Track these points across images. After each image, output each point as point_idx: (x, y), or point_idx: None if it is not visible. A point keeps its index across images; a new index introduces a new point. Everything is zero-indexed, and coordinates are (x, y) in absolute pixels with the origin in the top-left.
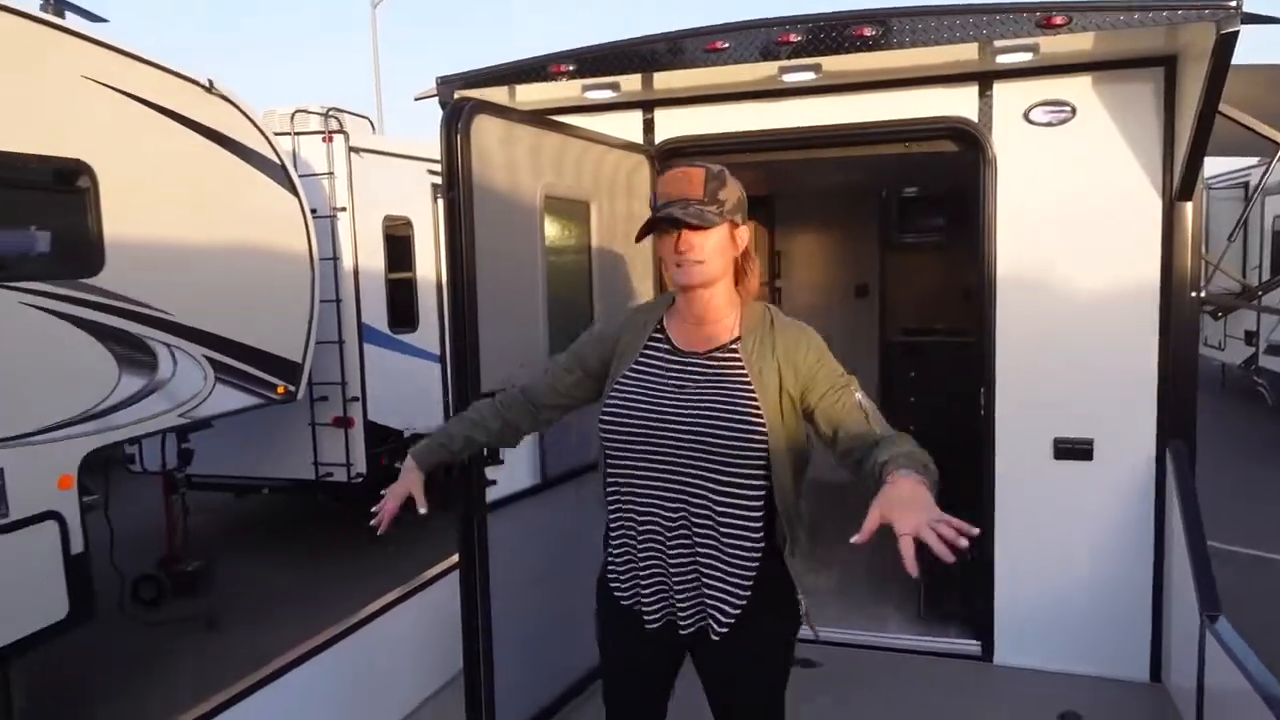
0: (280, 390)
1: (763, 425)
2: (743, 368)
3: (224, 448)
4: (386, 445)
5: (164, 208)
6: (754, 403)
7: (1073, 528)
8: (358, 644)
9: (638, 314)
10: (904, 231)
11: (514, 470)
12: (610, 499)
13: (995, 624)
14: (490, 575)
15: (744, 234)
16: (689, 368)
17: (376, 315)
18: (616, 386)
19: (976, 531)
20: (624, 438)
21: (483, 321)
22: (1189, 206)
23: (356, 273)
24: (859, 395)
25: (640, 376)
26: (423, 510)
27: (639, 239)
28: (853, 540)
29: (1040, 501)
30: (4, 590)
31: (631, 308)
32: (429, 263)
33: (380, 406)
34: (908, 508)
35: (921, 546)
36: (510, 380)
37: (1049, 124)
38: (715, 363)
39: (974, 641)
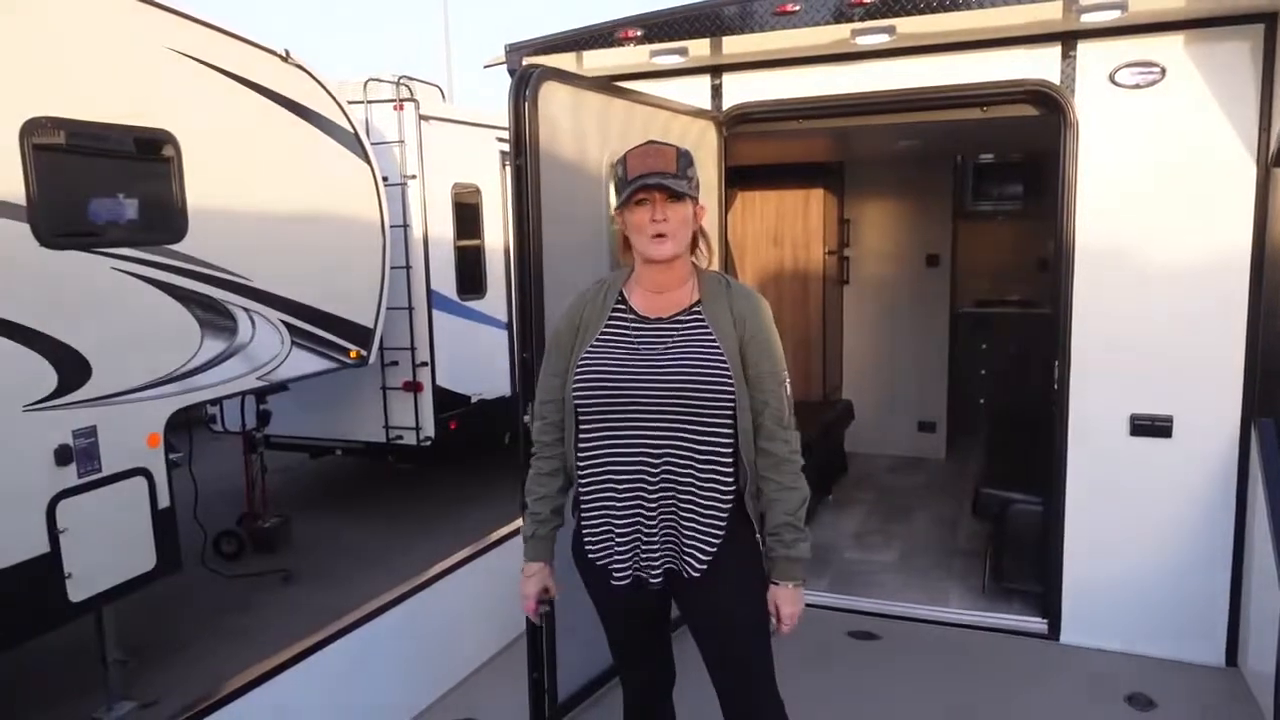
0: (353, 354)
1: (730, 377)
2: (707, 327)
3: (300, 410)
4: (454, 410)
5: (242, 176)
6: (721, 358)
7: (1148, 506)
8: (424, 603)
9: (595, 291)
10: (978, 199)
11: None
12: (587, 463)
13: (1063, 602)
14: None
15: (702, 211)
16: (659, 332)
17: (445, 282)
18: (586, 356)
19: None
20: (603, 402)
21: (549, 288)
22: None
23: (426, 240)
24: (787, 389)
25: (610, 344)
26: (555, 596)
27: (620, 206)
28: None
29: (1114, 478)
30: (97, 541)
31: (580, 290)
32: (497, 230)
33: (448, 372)
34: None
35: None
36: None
37: (1136, 86)
38: (681, 325)
39: (1040, 619)
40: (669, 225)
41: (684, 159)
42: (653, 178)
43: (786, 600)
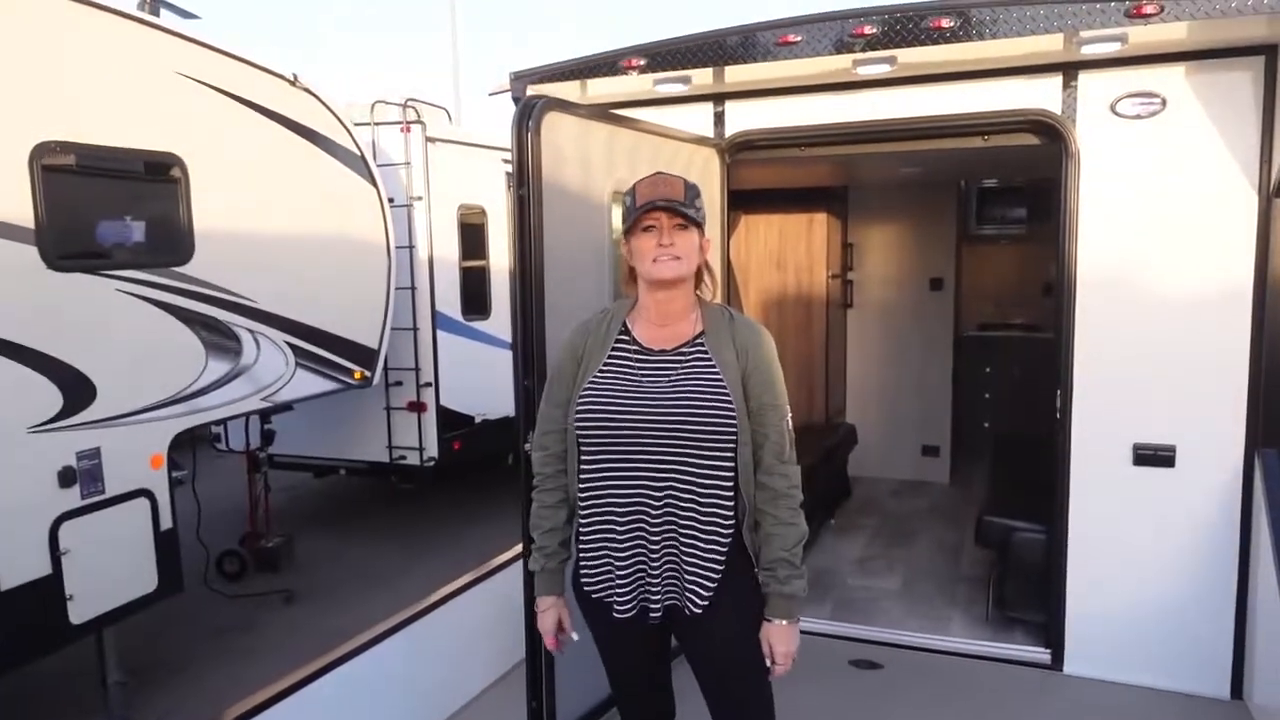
0: (357, 375)
1: (734, 410)
2: (711, 360)
3: (304, 429)
4: (458, 430)
5: (249, 198)
6: (725, 390)
7: (1152, 536)
8: (423, 630)
9: (597, 321)
10: (982, 223)
11: None
12: (588, 494)
13: (1066, 632)
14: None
15: (708, 244)
16: (662, 364)
17: (450, 302)
18: (589, 386)
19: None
20: (605, 432)
21: (550, 317)
22: None
23: (431, 260)
24: (788, 423)
25: (613, 375)
26: (575, 636)
27: (628, 230)
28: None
29: (1117, 508)
30: (99, 563)
31: (581, 321)
32: (502, 251)
33: (452, 392)
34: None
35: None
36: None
37: (1138, 116)
38: (685, 358)
39: (1043, 649)
40: (676, 249)
41: (691, 190)
42: (661, 201)
43: (780, 639)
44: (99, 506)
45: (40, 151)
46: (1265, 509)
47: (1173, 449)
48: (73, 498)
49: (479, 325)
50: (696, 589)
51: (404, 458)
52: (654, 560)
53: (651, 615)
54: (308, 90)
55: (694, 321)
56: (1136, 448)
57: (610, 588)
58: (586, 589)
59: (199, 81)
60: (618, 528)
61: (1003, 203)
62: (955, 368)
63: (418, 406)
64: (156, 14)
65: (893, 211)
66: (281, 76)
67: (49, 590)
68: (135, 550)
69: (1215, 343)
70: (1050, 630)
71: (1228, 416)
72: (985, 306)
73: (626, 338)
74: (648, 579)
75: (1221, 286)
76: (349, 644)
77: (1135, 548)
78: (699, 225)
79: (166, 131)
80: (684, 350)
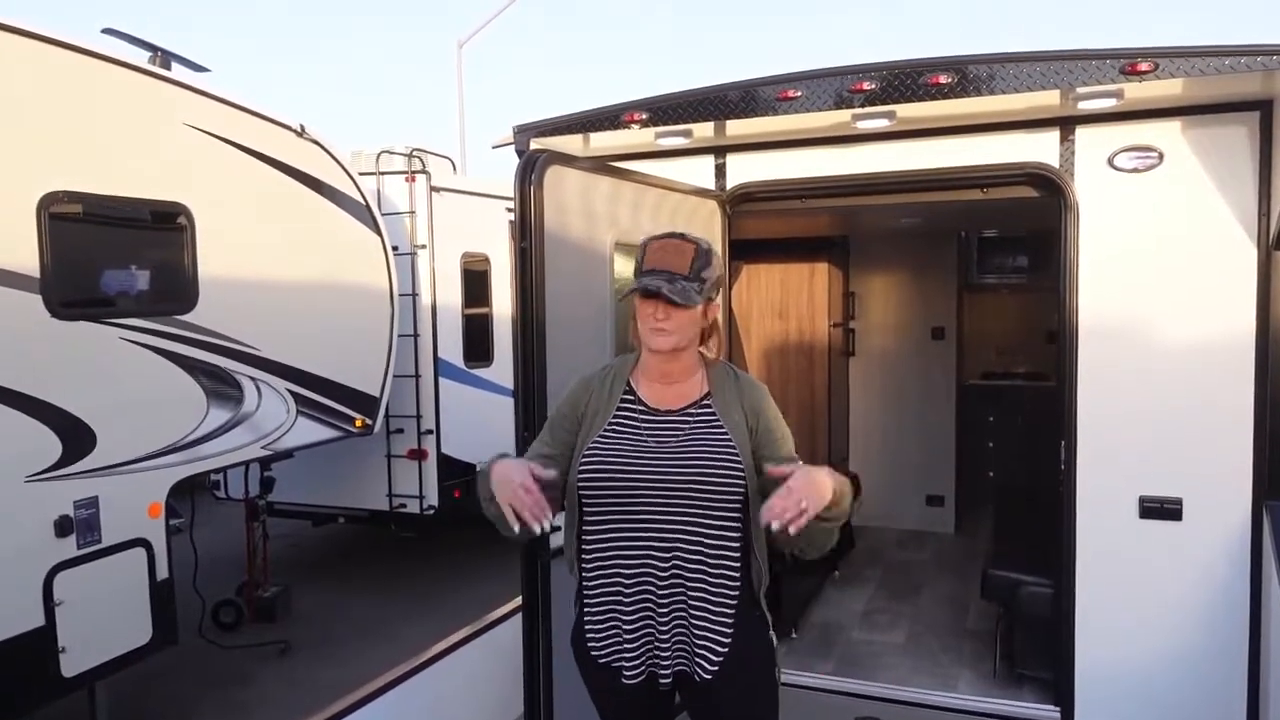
0: (358, 423)
1: (743, 471)
2: (719, 420)
3: (303, 477)
4: (458, 478)
5: (254, 247)
6: (734, 452)
7: (1160, 591)
8: (424, 682)
9: (600, 378)
10: (984, 272)
11: None
12: (592, 556)
13: (1076, 689)
14: (552, 620)
15: (715, 308)
16: (669, 423)
17: (452, 350)
18: (594, 446)
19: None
20: (611, 493)
21: (551, 370)
22: None
23: (434, 308)
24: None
25: (618, 435)
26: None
27: (622, 298)
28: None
29: (1125, 562)
30: (93, 614)
31: (585, 375)
32: (505, 298)
33: (453, 439)
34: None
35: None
36: None
37: (1135, 170)
38: (692, 418)
39: (1053, 707)
40: (670, 324)
41: (701, 259)
42: (659, 279)
43: (808, 484)
44: (95, 556)
45: (48, 201)
46: (1275, 561)
47: (1179, 501)
48: (69, 548)
49: (481, 372)
50: (706, 654)
51: (404, 506)
52: (662, 624)
53: (661, 681)
54: (314, 141)
55: (699, 381)
56: (1143, 500)
57: (618, 652)
58: (593, 653)
59: (207, 132)
60: (625, 590)
61: (1004, 252)
62: (958, 417)
63: (419, 454)
64: (168, 67)
65: (894, 261)
66: (288, 127)
67: (41, 642)
68: (130, 601)
69: (1219, 394)
70: (1059, 687)
71: (1234, 468)
72: (988, 355)
73: (631, 397)
74: (656, 643)
75: (1224, 338)
76: (345, 699)
77: (1145, 602)
78: (695, 302)
79: (173, 181)
80: (690, 411)
